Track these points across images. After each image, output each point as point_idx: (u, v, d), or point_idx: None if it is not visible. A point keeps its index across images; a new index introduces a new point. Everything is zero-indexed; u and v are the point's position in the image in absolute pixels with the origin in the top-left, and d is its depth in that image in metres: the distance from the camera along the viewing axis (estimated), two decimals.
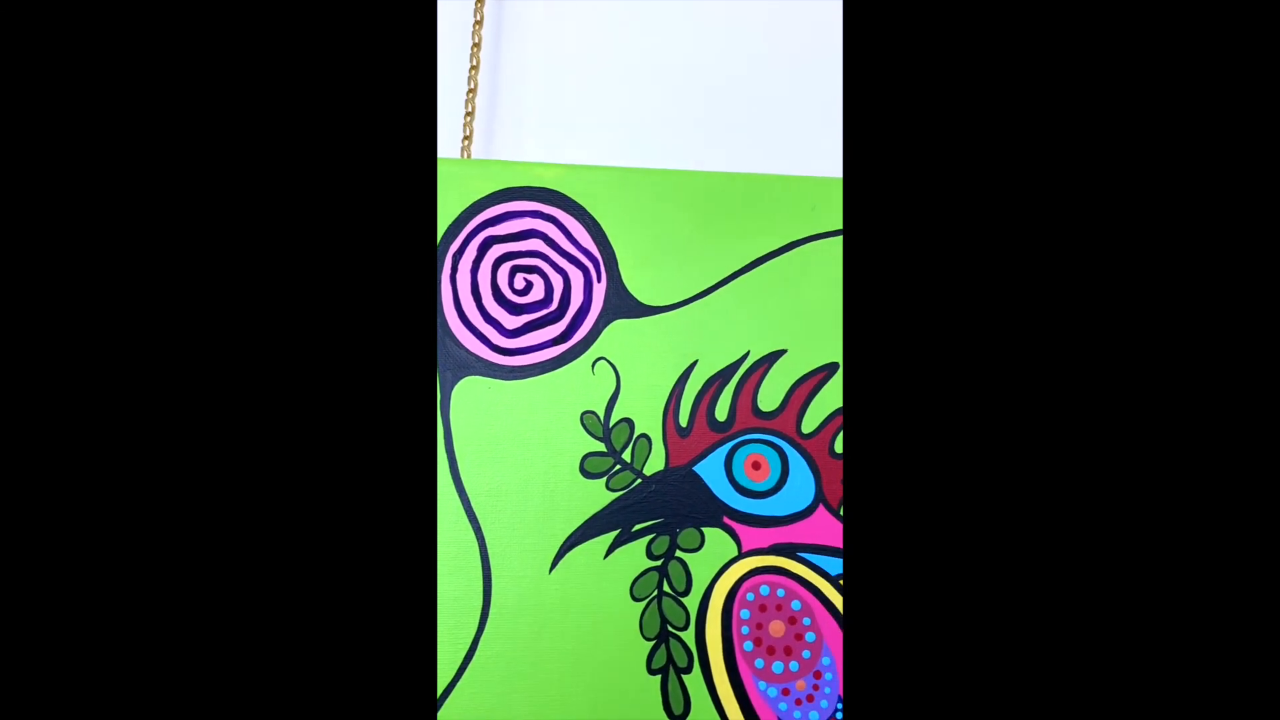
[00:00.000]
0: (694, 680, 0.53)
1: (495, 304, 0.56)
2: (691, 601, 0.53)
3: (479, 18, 0.65)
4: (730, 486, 0.55)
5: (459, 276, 0.57)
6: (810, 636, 0.53)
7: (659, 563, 0.54)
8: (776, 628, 0.53)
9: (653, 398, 0.55)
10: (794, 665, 0.53)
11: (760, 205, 0.57)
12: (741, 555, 0.54)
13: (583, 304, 0.56)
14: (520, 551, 0.53)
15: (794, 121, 0.66)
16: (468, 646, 0.52)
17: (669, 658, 0.53)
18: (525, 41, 0.69)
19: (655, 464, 0.55)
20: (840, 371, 0.56)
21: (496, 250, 0.57)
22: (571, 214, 0.57)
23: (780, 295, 0.57)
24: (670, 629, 0.53)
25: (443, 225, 0.57)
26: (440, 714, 0.51)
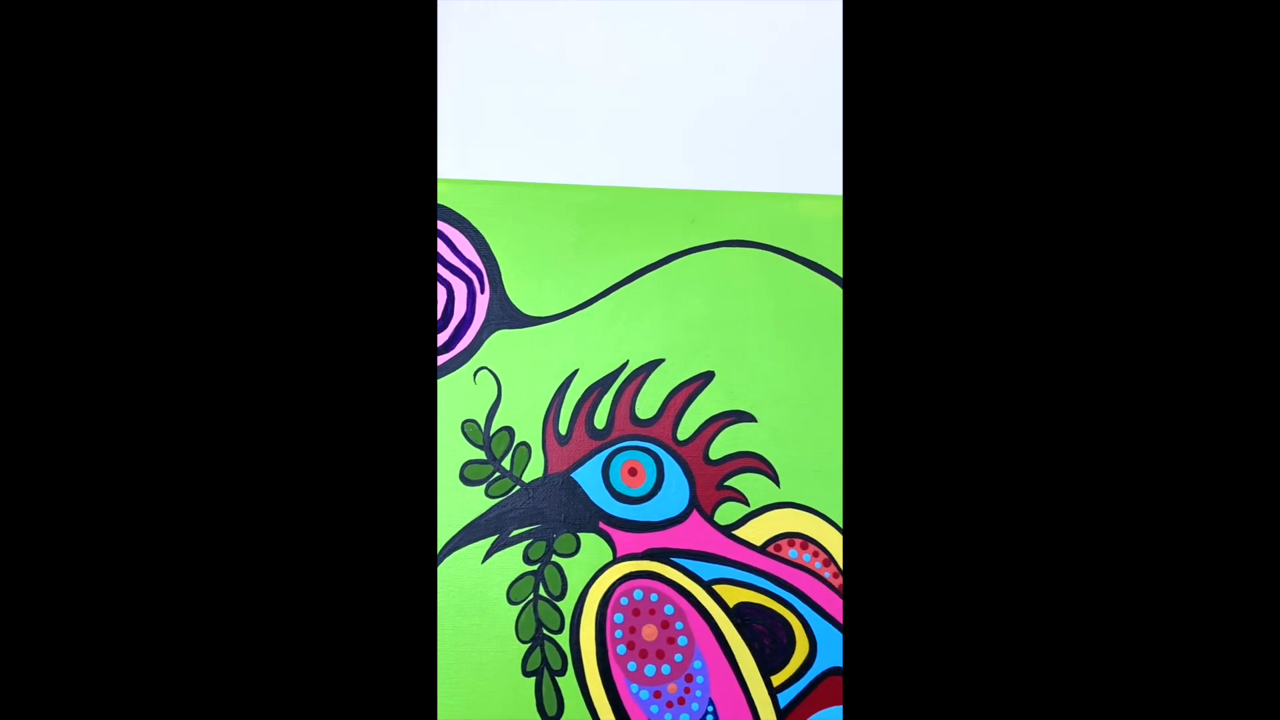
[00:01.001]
0: (568, 682, 0.54)
1: None
2: (566, 605, 0.55)
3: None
4: (607, 492, 0.56)
5: None
6: (683, 640, 0.55)
7: (535, 567, 0.55)
8: (649, 631, 0.55)
9: (533, 406, 0.57)
10: (666, 668, 0.54)
11: (641, 218, 0.59)
12: (616, 560, 0.55)
13: (466, 315, 0.58)
14: None
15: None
16: None
17: (544, 660, 0.54)
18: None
19: (534, 471, 0.56)
20: (715, 379, 0.57)
21: None
22: (457, 227, 0.59)
23: (659, 306, 0.58)
24: (545, 632, 0.54)
25: None
26: None
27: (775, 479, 0.56)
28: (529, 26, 0.68)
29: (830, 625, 0.55)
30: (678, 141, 0.64)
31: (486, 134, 0.67)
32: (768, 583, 0.55)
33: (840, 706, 0.54)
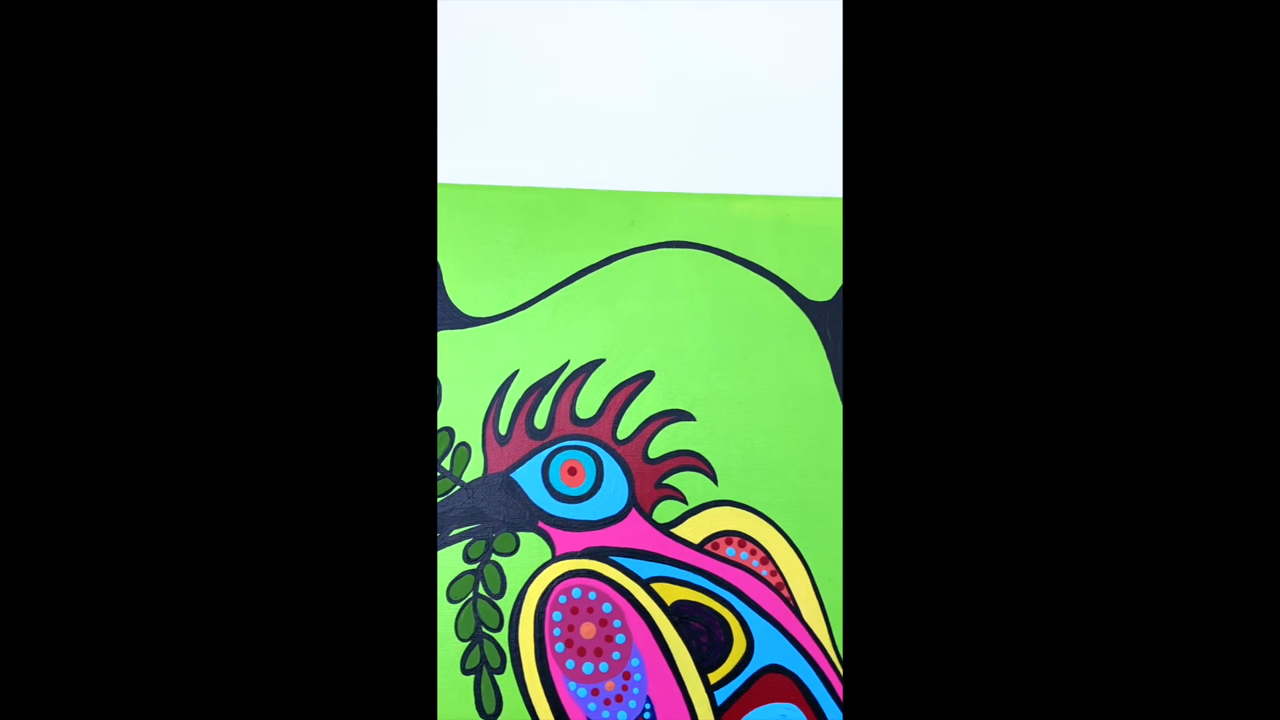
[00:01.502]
0: (506, 680, 0.54)
1: None
2: (505, 604, 0.55)
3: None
4: (546, 492, 0.56)
5: None
6: (620, 639, 0.55)
7: (475, 566, 0.55)
8: (588, 629, 0.55)
9: (473, 407, 0.57)
10: (604, 666, 0.55)
11: (581, 220, 0.59)
12: (555, 559, 0.56)
13: None
14: None
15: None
16: None
17: (483, 658, 0.54)
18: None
19: (474, 471, 0.56)
20: (654, 379, 0.58)
21: None
22: None
23: (600, 306, 0.58)
24: (484, 630, 0.55)
25: None
26: None
27: (713, 477, 0.57)
28: (466, 30, 0.69)
29: (767, 623, 0.55)
30: (618, 143, 0.65)
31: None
32: (705, 580, 0.56)
33: (776, 703, 0.55)
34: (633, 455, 0.57)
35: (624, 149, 0.64)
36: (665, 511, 0.56)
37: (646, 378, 0.58)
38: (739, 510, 0.56)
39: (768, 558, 0.56)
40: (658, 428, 0.57)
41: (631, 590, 0.55)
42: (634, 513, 0.56)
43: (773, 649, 0.55)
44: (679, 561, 0.56)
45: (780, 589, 0.56)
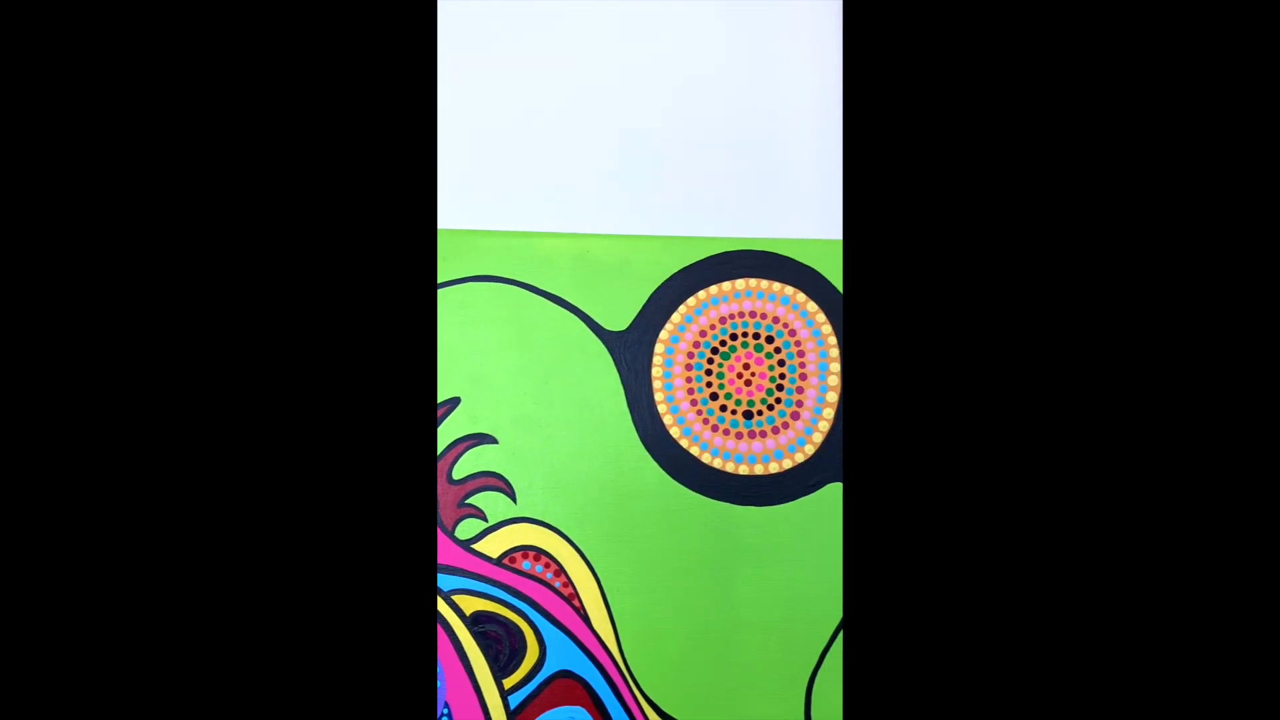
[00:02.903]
0: None
1: None
2: None
3: None
4: None
5: None
6: None
7: None
8: None
9: None
10: None
11: None
12: None
13: None
14: None
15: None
16: None
17: None
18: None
19: None
20: (460, 404, 0.62)
21: None
22: None
23: None
24: None
25: None
26: None
27: (513, 496, 0.61)
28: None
29: (559, 631, 0.60)
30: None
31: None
32: (503, 592, 0.60)
33: (566, 706, 0.59)
34: (439, 476, 0.61)
35: (439, 190, 0.68)
36: (467, 529, 0.60)
37: (453, 403, 0.62)
38: (536, 526, 0.61)
39: (560, 570, 0.60)
40: (462, 450, 0.61)
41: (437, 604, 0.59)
42: (438, 531, 0.60)
43: (564, 655, 0.59)
44: (479, 575, 0.60)
45: (572, 599, 0.60)
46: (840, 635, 0.60)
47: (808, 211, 0.72)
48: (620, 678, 0.59)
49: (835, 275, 0.64)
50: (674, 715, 0.59)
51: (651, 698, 0.59)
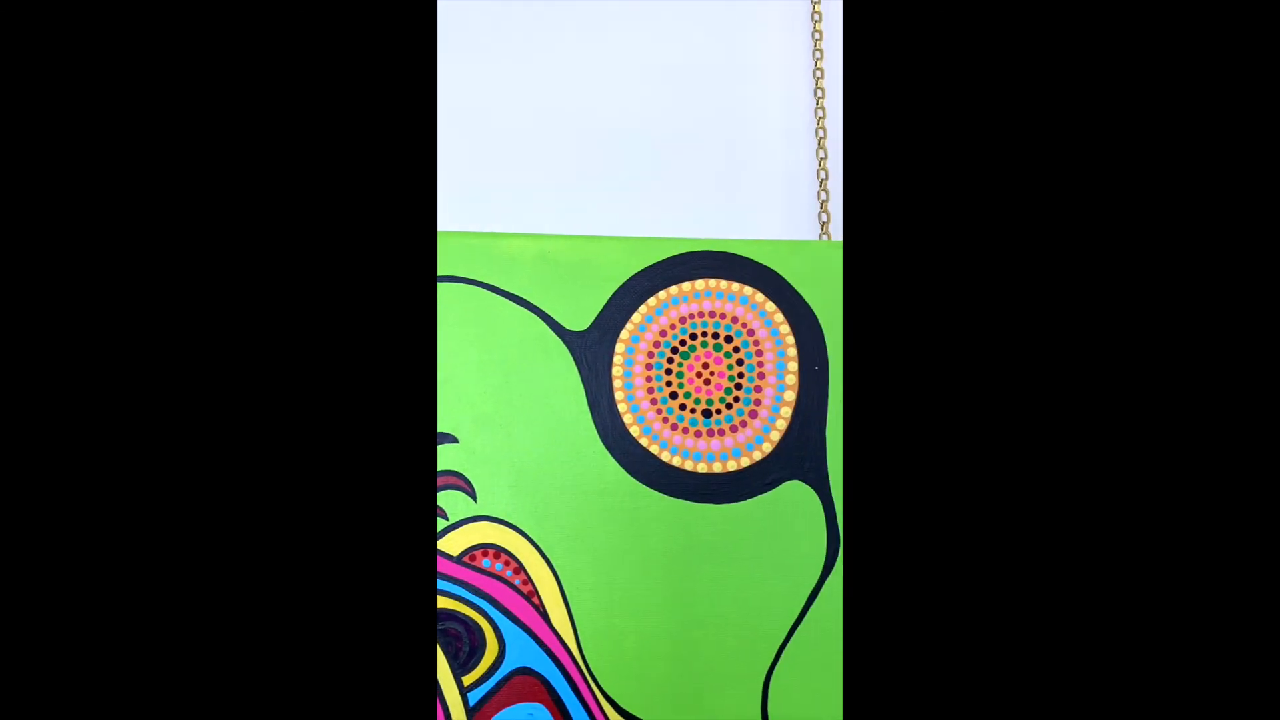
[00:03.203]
0: None
1: None
2: None
3: None
4: None
5: None
6: None
7: None
8: None
9: None
10: None
11: None
12: None
13: None
14: None
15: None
16: None
17: None
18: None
19: None
20: None
21: None
22: None
23: None
24: None
25: None
26: None
27: (473, 495, 0.61)
28: None
29: (518, 628, 0.60)
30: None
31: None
32: (463, 590, 0.60)
33: (525, 703, 0.59)
34: None
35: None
36: None
37: None
38: (496, 525, 0.61)
39: (520, 568, 0.61)
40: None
41: None
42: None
43: (523, 652, 0.60)
44: (439, 573, 0.60)
45: (531, 596, 0.60)
46: (797, 631, 0.61)
47: (768, 213, 0.73)
48: (579, 674, 0.60)
49: (794, 276, 0.64)
50: (632, 711, 0.59)
51: (610, 694, 0.59)
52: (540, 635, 0.60)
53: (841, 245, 0.66)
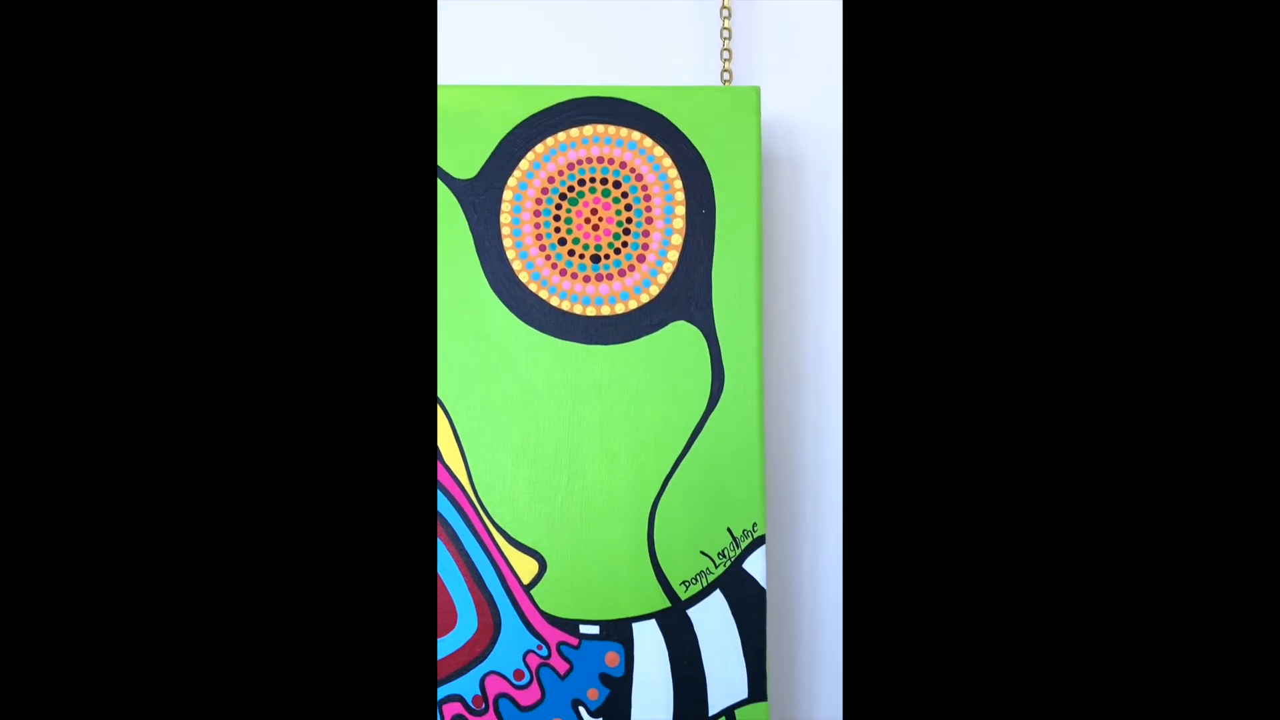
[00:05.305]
0: None
1: None
2: None
3: None
4: None
5: None
6: None
7: None
8: None
9: None
10: None
11: None
12: None
13: None
14: None
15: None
16: None
17: None
18: None
19: None
20: None
21: None
22: None
23: None
24: None
25: None
26: None
27: None
28: None
29: None
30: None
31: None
32: None
33: None
34: None
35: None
36: None
37: None
38: None
39: None
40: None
41: None
42: None
43: None
44: None
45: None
46: (681, 464, 0.63)
47: (656, 58, 0.72)
48: (474, 511, 0.63)
49: (681, 120, 0.64)
50: (525, 543, 0.63)
51: (504, 528, 0.63)
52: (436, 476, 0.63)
53: (733, 89, 0.65)
